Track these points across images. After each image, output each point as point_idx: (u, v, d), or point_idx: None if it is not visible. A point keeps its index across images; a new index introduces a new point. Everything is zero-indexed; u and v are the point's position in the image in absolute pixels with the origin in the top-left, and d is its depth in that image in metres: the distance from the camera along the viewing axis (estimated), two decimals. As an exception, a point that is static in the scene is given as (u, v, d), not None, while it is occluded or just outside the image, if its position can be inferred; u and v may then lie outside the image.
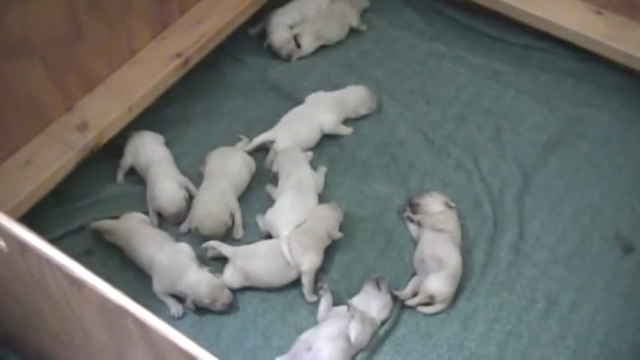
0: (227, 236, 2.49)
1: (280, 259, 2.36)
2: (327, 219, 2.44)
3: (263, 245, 2.41)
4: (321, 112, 2.77)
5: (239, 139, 2.75)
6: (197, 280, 2.30)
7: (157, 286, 2.35)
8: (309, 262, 2.35)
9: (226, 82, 2.98)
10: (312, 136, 2.75)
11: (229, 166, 2.59)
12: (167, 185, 2.52)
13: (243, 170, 2.61)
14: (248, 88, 2.96)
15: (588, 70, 3.01)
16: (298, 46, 3.07)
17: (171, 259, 2.34)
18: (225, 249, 2.39)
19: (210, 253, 2.43)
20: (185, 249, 2.38)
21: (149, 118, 2.70)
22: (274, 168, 2.62)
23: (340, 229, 2.47)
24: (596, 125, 2.86)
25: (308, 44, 3.07)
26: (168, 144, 2.70)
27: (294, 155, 2.62)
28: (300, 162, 2.61)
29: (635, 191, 2.66)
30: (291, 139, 2.68)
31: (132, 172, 2.67)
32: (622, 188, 2.67)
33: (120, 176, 2.65)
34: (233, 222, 2.52)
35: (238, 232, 2.51)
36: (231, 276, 2.36)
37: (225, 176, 2.56)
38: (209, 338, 2.29)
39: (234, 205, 2.54)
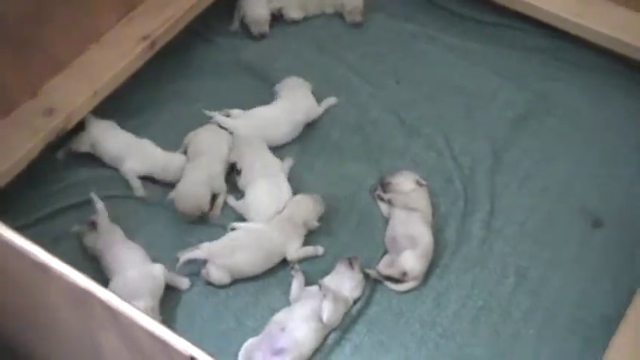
0: (200, 219, 2.48)
1: (261, 250, 2.35)
2: (307, 209, 2.44)
3: (240, 237, 2.38)
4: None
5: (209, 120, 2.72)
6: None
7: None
8: (294, 249, 2.37)
9: (197, 64, 2.95)
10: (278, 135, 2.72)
11: (221, 144, 2.58)
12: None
13: (228, 149, 2.60)
14: (219, 69, 2.94)
15: (558, 47, 3.02)
16: (276, 20, 3.06)
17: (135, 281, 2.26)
18: (198, 254, 2.34)
19: (181, 261, 2.35)
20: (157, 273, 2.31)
21: (117, 103, 2.67)
22: (232, 157, 2.59)
23: (319, 221, 2.46)
24: (565, 101, 2.87)
25: (296, 15, 3.08)
26: (137, 128, 2.67)
27: (253, 143, 2.60)
28: (261, 149, 2.59)
29: (604, 165, 2.68)
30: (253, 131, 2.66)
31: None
32: (590, 163, 2.69)
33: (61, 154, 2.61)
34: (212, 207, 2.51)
35: (216, 212, 2.50)
36: (218, 275, 2.33)
37: (217, 156, 2.55)
38: (182, 323, 2.28)
39: (223, 187, 2.53)
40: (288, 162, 2.62)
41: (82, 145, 2.60)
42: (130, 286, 2.22)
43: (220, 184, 2.53)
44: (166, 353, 1.41)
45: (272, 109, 2.73)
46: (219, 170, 2.54)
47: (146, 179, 2.58)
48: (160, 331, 1.39)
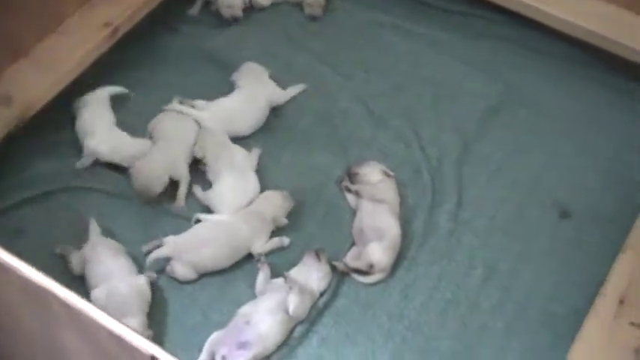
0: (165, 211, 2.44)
1: (227, 245, 2.31)
2: (275, 205, 2.41)
3: (204, 231, 2.34)
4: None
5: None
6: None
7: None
8: (261, 244, 2.34)
9: (161, 52, 2.90)
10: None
11: (186, 131, 2.54)
12: None
13: (194, 137, 2.55)
14: (184, 58, 2.89)
15: (527, 37, 3.01)
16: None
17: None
18: (162, 251, 2.29)
19: (148, 262, 2.31)
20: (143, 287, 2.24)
21: (78, 91, 2.62)
22: (198, 154, 2.54)
23: (288, 218, 2.43)
24: (535, 92, 2.86)
25: (265, 2, 3.05)
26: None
27: (216, 137, 2.56)
28: (224, 143, 2.55)
29: (574, 157, 2.67)
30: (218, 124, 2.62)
31: (65, 146, 2.57)
32: (560, 154, 2.68)
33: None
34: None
35: (179, 203, 2.46)
36: (183, 271, 2.29)
37: (181, 141, 2.52)
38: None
39: (185, 173, 2.49)
40: (256, 153, 2.58)
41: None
42: (118, 300, 2.16)
43: (181, 170, 2.48)
44: (127, 352, 1.37)
45: (234, 100, 2.69)
46: (179, 154, 2.49)
47: (111, 168, 2.53)
48: (119, 330, 1.35)
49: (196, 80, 2.82)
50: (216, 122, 2.61)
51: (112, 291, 2.18)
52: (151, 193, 2.42)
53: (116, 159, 2.51)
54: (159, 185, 2.43)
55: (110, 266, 2.23)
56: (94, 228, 2.36)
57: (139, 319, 2.15)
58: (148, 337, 1.60)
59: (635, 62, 2.79)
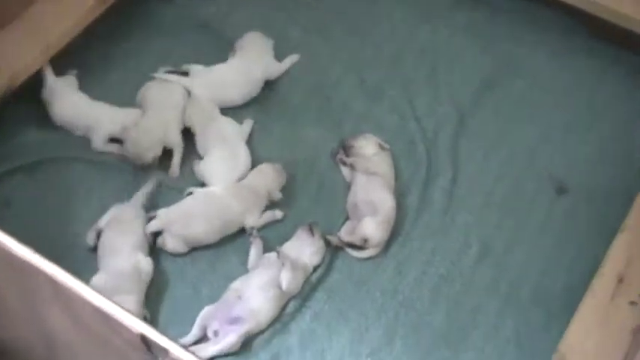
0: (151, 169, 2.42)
1: (218, 219, 2.28)
2: (269, 179, 2.37)
3: (196, 204, 2.30)
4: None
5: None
6: None
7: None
8: (253, 219, 2.30)
9: (152, 20, 2.83)
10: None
11: (175, 97, 2.50)
12: None
13: (184, 104, 2.51)
14: (175, 27, 2.82)
15: (523, 7, 2.95)
16: None
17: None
18: (156, 225, 2.26)
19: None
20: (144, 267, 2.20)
21: (68, 60, 2.56)
22: (187, 122, 2.50)
23: (282, 192, 2.39)
24: (531, 64, 2.81)
25: None
26: (89, 86, 2.56)
27: (204, 107, 2.52)
28: (212, 113, 2.51)
29: (570, 130, 2.64)
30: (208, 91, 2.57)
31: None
32: (557, 127, 2.64)
33: None
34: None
35: (175, 171, 2.42)
36: (174, 244, 2.25)
37: (171, 108, 2.48)
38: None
39: (177, 140, 2.45)
40: (248, 124, 2.53)
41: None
42: (116, 279, 2.13)
43: (173, 138, 2.44)
44: (116, 331, 1.34)
45: (228, 67, 2.64)
46: (170, 121, 2.45)
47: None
48: (107, 308, 1.31)
49: (189, 49, 2.75)
50: (205, 89, 2.56)
51: (109, 269, 2.14)
52: (145, 160, 2.39)
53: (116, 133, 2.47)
54: (153, 152, 2.39)
55: (116, 243, 2.19)
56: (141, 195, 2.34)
57: (134, 298, 2.11)
58: (143, 318, 1.58)
59: (633, 32, 2.74)
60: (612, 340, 1.94)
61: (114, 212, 2.27)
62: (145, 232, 2.24)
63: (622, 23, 2.74)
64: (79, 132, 2.48)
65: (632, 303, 1.99)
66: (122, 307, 1.31)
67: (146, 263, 2.19)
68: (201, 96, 2.54)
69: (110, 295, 1.80)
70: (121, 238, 2.20)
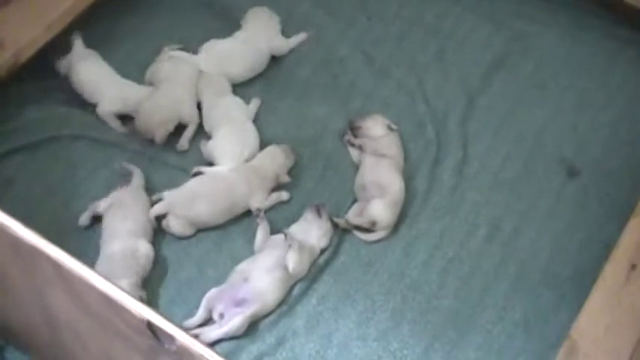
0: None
1: (224, 202, 2.25)
2: (278, 161, 2.34)
3: (201, 185, 2.27)
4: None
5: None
6: None
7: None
8: (259, 201, 2.26)
9: (152, -1, 2.80)
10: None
11: (187, 73, 2.48)
12: None
13: (196, 78, 2.49)
14: (179, 4, 2.78)
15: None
16: None
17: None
18: (160, 207, 2.22)
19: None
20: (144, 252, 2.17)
21: (69, 38, 2.52)
22: (198, 97, 2.47)
23: (289, 174, 2.36)
24: (542, 43, 2.77)
25: None
26: (93, 64, 2.53)
27: (216, 83, 2.49)
28: (223, 90, 2.48)
29: (581, 112, 2.60)
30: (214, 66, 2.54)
31: (57, 93, 2.49)
32: (567, 109, 2.61)
33: None
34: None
35: (184, 144, 2.40)
36: (179, 226, 2.22)
37: (184, 83, 2.46)
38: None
39: (194, 114, 2.42)
40: (255, 103, 2.50)
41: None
42: (110, 263, 2.10)
43: (189, 110, 2.42)
44: (120, 316, 1.31)
45: (233, 40, 2.62)
46: (185, 95, 2.43)
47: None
48: (115, 294, 1.29)
49: (192, 28, 2.71)
50: (210, 64, 2.54)
51: (105, 253, 2.12)
52: (157, 135, 2.36)
53: (125, 110, 2.45)
54: (164, 127, 2.37)
55: (115, 227, 2.16)
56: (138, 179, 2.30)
57: (130, 280, 2.07)
58: (139, 299, 1.55)
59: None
60: (624, 327, 1.91)
61: (114, 196, 2.23)
62: (147, 216, 2.21)
63: (635, 3, 2.68)
64: (94, 100, 2.45)
65: (645, 289, 1.97)
66: (128, 293, 1.28)
67: (145, 249, 2.15)
68: (209, 70, 2.51)
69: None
70: (121, 224, 2.17)
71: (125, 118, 2.45)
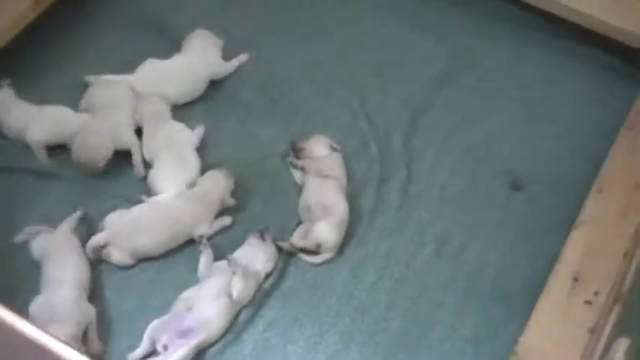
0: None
1: (167, 230, 2.20)
2: (221, 185, 2.30)
3: (144, 214, 2.22)
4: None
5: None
6: None
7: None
8: (204, 229, 2.22)
9: (93, 18, 2.75)
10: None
11: (122, 96, 2.43)
12: None
13: (132, 101, 2.45)
14: (116, 24, 2.75)
15: (474, -1, 2.92)
16: None
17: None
18: (99, 238, 2.16)
19: (87, 250, 2.17)
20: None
21: (4, 64, 2.47)
22: (138, 122, 2.43)
23: (233, 196, 2.33)
24: (485, 58, 2.78)
25: None
26: (26, 90, 2.46)
27: (157, 107, 2.45)
28: (165, 115, 2.45)
29: (525, 124, 2.61)
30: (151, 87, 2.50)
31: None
32: (512, 121, 2.61)
33: None
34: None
35: (139, 171, 2.35)
36: (120, 257, 2.18)
37: (120, 108, 2.41)
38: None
39: (133, 139, 2.38)
40: (200, 130, 2.45)
41: None
42: (57, 308, 2.02)
43: (128, 137, 2.38)
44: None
45: (171, 63, 2.58)
46: (122, 121, 2.39)
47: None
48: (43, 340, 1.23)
49: (132, 47, 2.67)
50: (145, 84, 2.50)
51: (54, 300, 2.04)
52: (97, 165, 2.31)
53: (58, 139, 2.38)
54: (104, 156, 2.32)
55: (53, 275, 2.09)
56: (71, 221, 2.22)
57: (68, 330, 1.99)
58: (78, 350, 1.48)
59: (582, 26, 2.73)
60: (569, 341, 1.91)
61: (44, 241, 2.16)
62: (81, 259, 2.14)
63: (574, 19, 2.72)
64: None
65: (588, 302, 1.97)
66: (59, 339, 1.23)
67: (86, 307, 2.07)
68: (144, 90, 2.47)
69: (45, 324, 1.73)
70: (58, 272, 2.09)
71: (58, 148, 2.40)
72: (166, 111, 2.46)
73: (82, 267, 2.13)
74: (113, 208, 2.25)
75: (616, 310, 1.99)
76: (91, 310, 2.07)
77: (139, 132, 2.43)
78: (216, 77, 2.59)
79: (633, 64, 2.73)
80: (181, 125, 2.44)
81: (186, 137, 2.40)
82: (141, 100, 2.46)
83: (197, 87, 2.55)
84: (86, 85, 2.51)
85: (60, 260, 2.11)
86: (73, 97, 2.48)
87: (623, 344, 1.82)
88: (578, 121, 2.63)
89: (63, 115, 2.41)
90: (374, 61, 2.73)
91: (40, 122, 2.37)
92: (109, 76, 2.51)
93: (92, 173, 2.33)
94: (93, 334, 2.05)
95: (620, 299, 2.02)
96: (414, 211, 2.38)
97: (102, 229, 2.19)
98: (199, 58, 2.57)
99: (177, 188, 2.27)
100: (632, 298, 2.07)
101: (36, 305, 2.03)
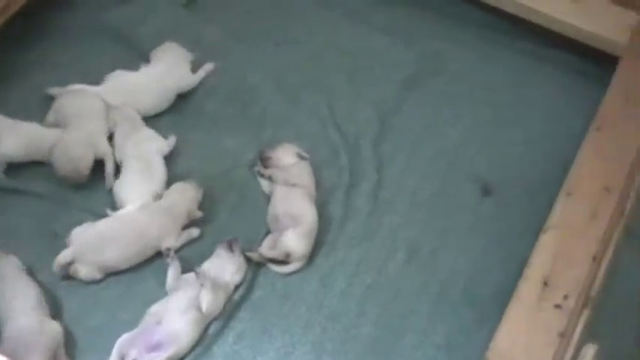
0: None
1: (134, 244, 2.18)
2: (188, 197, 2.28)
3: (110, 228, 2.19)
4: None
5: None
6: None
7: None
8: (171, 242, 2.21)
9: (57, 29, 2.73)
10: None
11: (94, 106, 2.41)
12: None
13: (103, 110, 2.42)
14: (82, 34, 2.73)
15: (444, 3, 2.93)
16: None
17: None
18: (65, 255, 2.13)
19: (55, 268, 2.15)
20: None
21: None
22: (111, 128, 2.41)
23: (200, 208, 2.31)
24: (454, 62, 2.79)
25: None
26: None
27: (131, 115, 2.44)
28: (137, 125, 2.43)
29: (494, 128, 2.61)
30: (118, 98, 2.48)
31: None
32: (481, 125, 2.62)
33: None
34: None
35: (109, 182, 2.33)
36: (87, 273, 2.15)
37: (92, 117, 2.38)
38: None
39: (107, 149, 2.36)
40: (172, 140, 2.43)
41: None
42: (24, 338, 1.98)
43: (102, 146, 2.36)
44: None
45: (139, 75, 2.57)
46: (95, 130, 2.37)
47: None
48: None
49: (96, 58, 2.66)
50: (113, 95, 2.48)
51: (20, 330, 1.99)
52: (80, 174, 2.29)
53: (31, 157, 2.35)
54: (86, 165, 2.30)
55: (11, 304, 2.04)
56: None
57: (37, 358, 1.95)
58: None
59: (550, 29, 2.74)
60: (539, 346, 1.90)
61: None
62: (26, 281, 2.10)
63: (542, 22, 2.73)
64: None
65: (557, 306, 1.96)
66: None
67: (52, 326, 2.03)
68: (111, 102, 2.45)
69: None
70: (15, 301, 2.04)
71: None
72: (139, 119, 2.45)
73: (29, 288, 2.08)
74: (78, 222, 2.22)
75: (585, 314, 1.99)
76: (56, 328, 2.03)
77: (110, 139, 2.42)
78: (183, 90, 2.58)
79: (600, 66, 2.72)
80: (153, 133, 2.43)
81: (157, 145, 2.39)
82: (113, 108, 2.44)
83: (165, 100, 2.54)
84: (50, 98, 2.48)
85: (7, 290, 2.06)
86: (37, 108, 2.46)
87: (591, 350, 1.82)
88: (547, 124, 2.64)
89: (37, 132, 2.37)
90: (344, 66, 2.73)
91: (15, 136, 2.34)
92: (77, 86, 2.49)
93: (76, 183, 2.31)
94: (60, 351, 2.02)
95: (590, 303, 2.01)
96: (385, 217, 2.37)
97: (68, 245, 2.16)
98: (168, 72, 2.56)
99: (143, 200, 2.25)
100: (601, 303, 2.08)
101: (4, 340, 2.00)
